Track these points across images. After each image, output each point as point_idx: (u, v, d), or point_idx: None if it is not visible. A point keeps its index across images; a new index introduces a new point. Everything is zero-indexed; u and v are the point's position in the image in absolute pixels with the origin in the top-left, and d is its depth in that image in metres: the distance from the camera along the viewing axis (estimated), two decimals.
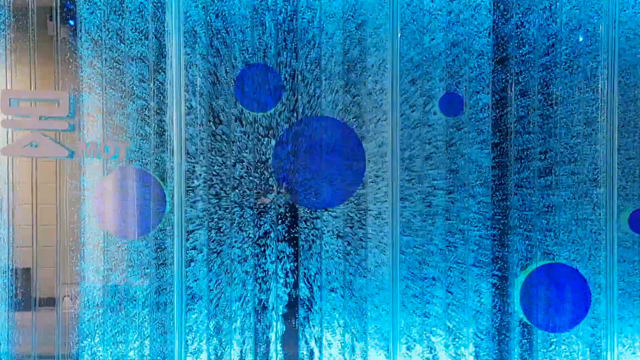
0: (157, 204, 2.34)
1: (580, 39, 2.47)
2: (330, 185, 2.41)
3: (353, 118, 2.40)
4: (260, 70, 2.37)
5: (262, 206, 2.40)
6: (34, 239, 2.31)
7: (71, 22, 2.29)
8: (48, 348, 2.33)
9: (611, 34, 2.44)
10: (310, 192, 2.41)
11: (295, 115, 2.38)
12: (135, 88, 2.32)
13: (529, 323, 2.49)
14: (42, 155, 2.26)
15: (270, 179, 2.38)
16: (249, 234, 2.39)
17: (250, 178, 2.38)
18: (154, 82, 2.32)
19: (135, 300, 2.36)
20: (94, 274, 2.33)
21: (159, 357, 2.38)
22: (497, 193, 2.46)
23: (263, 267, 2.40)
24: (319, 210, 2.40)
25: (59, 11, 2.29)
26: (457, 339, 2.45)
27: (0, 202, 2.28)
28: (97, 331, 2.34)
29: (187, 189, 2.34)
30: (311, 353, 2.42)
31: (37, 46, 2.29)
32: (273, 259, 2.41)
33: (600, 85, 2.45)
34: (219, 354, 2.40)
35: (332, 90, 2.39)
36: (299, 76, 2.37)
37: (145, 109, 2.33)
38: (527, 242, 2.47)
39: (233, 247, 2.38)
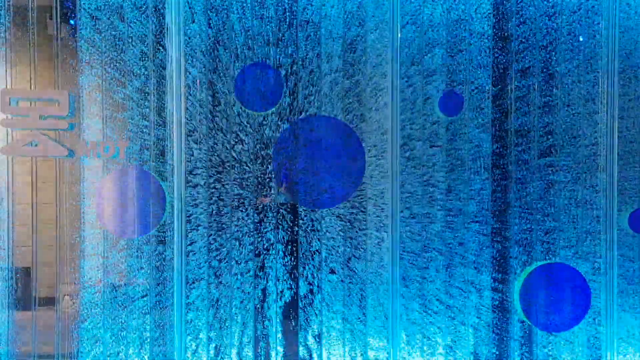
0: (157, 203, 2.34)
1: (581, 39, 2.47)
2: (330, 185, 2.41)
3: (353, 98, 2.40)
4: (261, 70, 2.37)
5: (262, 206, 2.40)
6: (33, 238, 2.30)
7: (71, 22, 2.29)
8: (48, 347, 2.33)
9: (612, 14, 2.44)
10: (310, 192, 2.41)
11: (295, 99, 2.38)
12: (134, 67, 2.31)
13: (527, 321, 2.50)
14: (41, 154, 2.26)
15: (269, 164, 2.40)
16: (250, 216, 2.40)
17: (251, 164, 2.39)
18: (154, 60, 2.32)
19: (135, 298, 2.36)
20: (94, 273, 2.33)
21: (159, 355, 2.38)
22: (497, 170, 2.47)
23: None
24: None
25: (58, 10, 2.28)
26: (456, 318, 2.48)
27: (0, 202, 2.28)
28: (97, 330, 2.34)
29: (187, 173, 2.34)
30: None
31: (36, 45, 2.28)
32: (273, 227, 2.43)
33: (600, 65, 2.45)
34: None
35: (332, 69, 2.39)
36: (300, 61, 2.38)
37: (145, 86, 2.33)
38: (526, 224, 2.47)
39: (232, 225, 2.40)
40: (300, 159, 2.41)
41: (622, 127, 2.47)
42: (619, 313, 2.49)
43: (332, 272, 2.42)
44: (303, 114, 2.39)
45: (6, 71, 2.27)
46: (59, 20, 2.29)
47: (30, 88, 2.28)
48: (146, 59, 2.32)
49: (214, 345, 2.40)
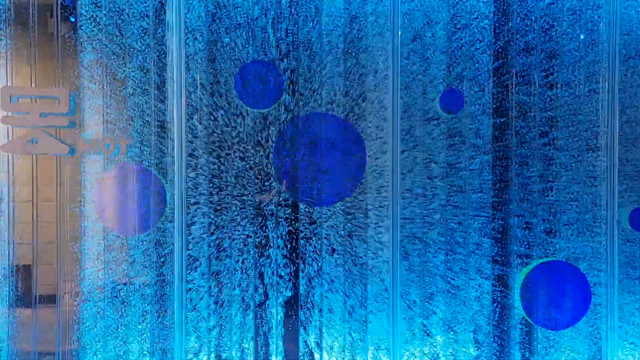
0: (157, 201, 2.34)
1: (582, 37, 2.47)
2: (330, 184, 2.41)
3: (354, 79, 2.40)
4: (261, 68, 2.38)
5: (262, 203, 2.40)
6: (34, 236, 2.30)
7: (72, 19, 2.29)
8: (48, 345, 2.33)
9: None
10: (311, 190, 2.41)
11: (296, 83, 2.38)
12: (135, 43, 2.31)
13: (529, 320, 2.49)
14: (42, 152, 2.26)
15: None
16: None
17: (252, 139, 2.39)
18: (154, 37, 2.32)
19: (135, 296, 2.36)
20: (94, 271, 2.33)
21: (159, 354, 2.38)
22: (497, 146, 2.47)
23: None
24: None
25: (59, 8, 2.29)
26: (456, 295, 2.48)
27: (1, 199, 2.28)
28: (98, 328, 2.34)
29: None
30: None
31: (37, 43, 2.29)
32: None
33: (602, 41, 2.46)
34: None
35: (333, 46, 2.40)
36: (301, 46, 2.38)
37: (145, 62, 2.33)
38: (527, 205, 2.47)
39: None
40: (301, 157, 2.41)
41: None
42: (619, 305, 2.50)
43: (333, 250, 2.42)
44: (303, 97, 2.39)
45: (7, 68, 2.27)
46: (59, 18, 2.29)
47: (31, 85, 2.28)
48: (147, 35, 2.32)
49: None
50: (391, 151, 2.40)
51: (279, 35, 2.37)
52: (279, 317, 2.43)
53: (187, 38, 2.32)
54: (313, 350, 2.43)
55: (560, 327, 2.49)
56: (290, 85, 2.39)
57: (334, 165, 2.41)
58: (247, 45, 2.36)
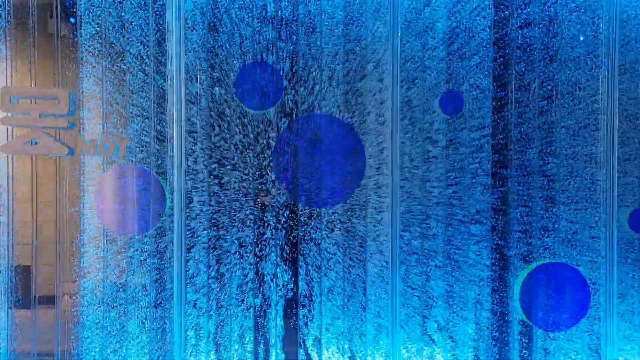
0: (156, 201, 2.34)
1: (581, 38, 2.47)
2: (330, 184, 2.42)
3: (354, 63, 2.41)
4: (262, 69, 2.38)
5: (262, 205, 2.40)
6: (33, 237, 2.30)
7: (72, 20, 2.29)
8: (48, 346, 2.33)
9: None
10: (310, 191, 2.42)
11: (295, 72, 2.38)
12: (133, 15, 2.31)
13: (527, 321, 2.50)
14: (41, 152, 2.26)
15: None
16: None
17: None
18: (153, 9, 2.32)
19: (135, 296, 2.36)
20: (93, 271, 2.33)
21: (158, 353, 2.38)
22: (497, 129, 2.47)
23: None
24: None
25: (59, 8, 2.29)
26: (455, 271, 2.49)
27: (0, 200, 2.28)
28: (97, 328, 2.34)
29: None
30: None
31: (37, 43, 2.29)
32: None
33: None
34: None
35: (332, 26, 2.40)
36: (300, 29, 2.38)
37: (145, 38, 2.33)
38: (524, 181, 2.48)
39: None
40: (301, 157, 2.41)
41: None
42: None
43: (332, 230, 2.42)
44: (303, 84, 2.39)
45: (7, 69, 2.27)
46: (59, 18, 2.29)
47: (31, 86, 2.28)
48: (145, 8, 2.31)
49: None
50: (391, 132, 2.40)
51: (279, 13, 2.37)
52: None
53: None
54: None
55: (559, 329, 2.50)
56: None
57: (334, 166, 2.42)
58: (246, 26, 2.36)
